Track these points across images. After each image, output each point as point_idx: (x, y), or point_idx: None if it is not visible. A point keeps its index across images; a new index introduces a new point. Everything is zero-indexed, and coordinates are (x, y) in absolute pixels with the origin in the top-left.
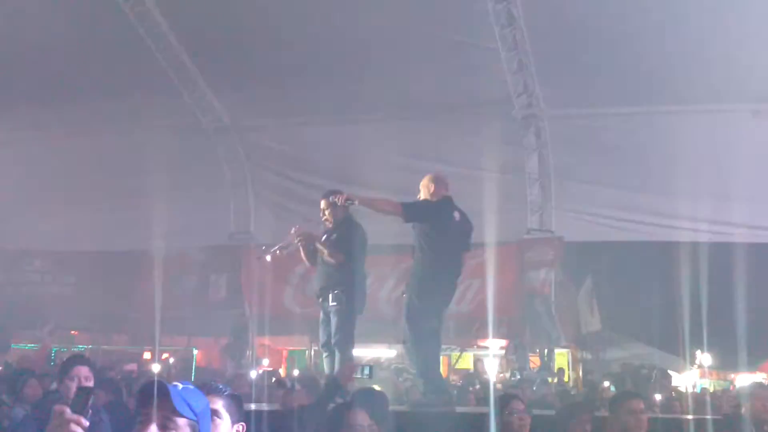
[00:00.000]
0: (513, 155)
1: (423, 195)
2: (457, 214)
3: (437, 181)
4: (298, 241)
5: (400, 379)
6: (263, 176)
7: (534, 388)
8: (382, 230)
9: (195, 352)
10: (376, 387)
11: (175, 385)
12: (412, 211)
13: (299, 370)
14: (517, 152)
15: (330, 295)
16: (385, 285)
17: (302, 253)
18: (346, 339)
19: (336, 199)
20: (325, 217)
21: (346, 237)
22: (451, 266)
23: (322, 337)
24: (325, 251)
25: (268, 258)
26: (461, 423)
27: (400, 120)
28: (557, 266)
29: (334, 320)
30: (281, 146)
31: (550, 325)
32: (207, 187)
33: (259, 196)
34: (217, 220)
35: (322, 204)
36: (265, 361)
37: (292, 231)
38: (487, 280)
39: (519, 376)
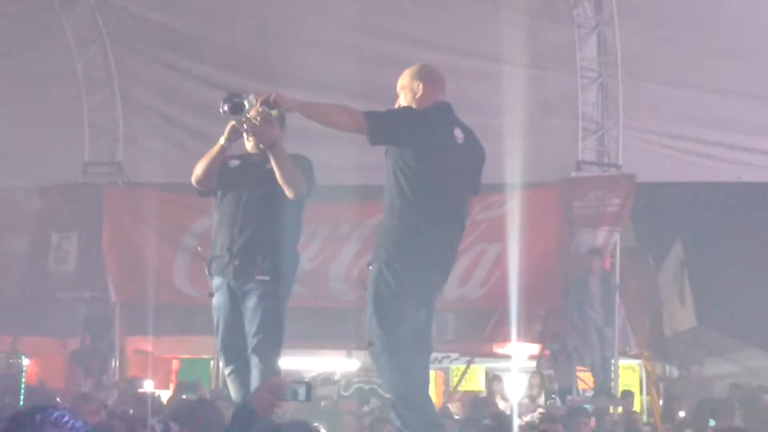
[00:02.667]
0: (555, 39)
1: (404, 100)
2: (459, 133)
3: (428, 75)
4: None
5: (366, 407)
6: (136, 69)
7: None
8: (335, 161)
9: (25, 361)
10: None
11: None
12: (384, 124)
13: (197, 390)
14: (562, 33)
15: (255, 265)
16: (341, 252)
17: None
18: (272, 341)
19: (254, 105)
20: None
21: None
22: (449, 220)
23: (223, 340)
24: (287, 166)
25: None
26: None
27: None
28: (625, 224)
29: (253, 310)
30: (164, 18)
31: (608, 320)
32: (44, 87)
33: (130, 101)
34: (63, 144)
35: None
36: (147, 383)
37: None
38: (510, 245)
39: (560, 403)
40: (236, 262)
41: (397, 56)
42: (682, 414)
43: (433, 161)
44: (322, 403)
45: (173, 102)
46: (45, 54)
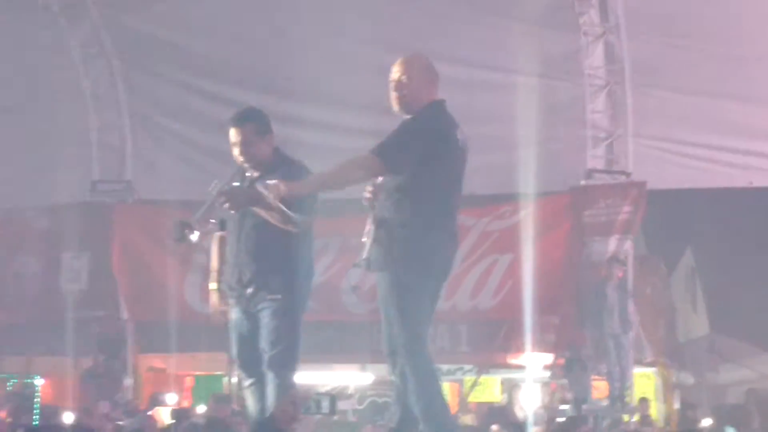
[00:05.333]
0: (562, 47)
1: (400, 90)
2: (460, 134)
3: (424, 68)
4: (223, 203)
5: (380, 421)
6: (145, 85)
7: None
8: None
9: (39, 381)
10: None
11: None
12: (399, 153)
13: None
14: (569, 41)
15: (266, 286)
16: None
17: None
18: (287, 356)
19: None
20: (240, 156)
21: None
22: (452, 221)
23: (240, 356)
24: (276, 214)
25: (194, 237)
26: None
27: None
28: (636, 231)
29: (266, 327)
30: (171, 34)
31: (625, 328)
32: (52, 106)
33: (138, 118)
34: (72, 162)
35: (234, 135)
36: (169, 397)
37: (211, 188)
38: (522, 255)
39: (575, 412)
40: (248, 291)
41: None
42: (707, 423)
43: (443, 167)
44: (335, 418)
45: (181, 118)
46: (51, 73)
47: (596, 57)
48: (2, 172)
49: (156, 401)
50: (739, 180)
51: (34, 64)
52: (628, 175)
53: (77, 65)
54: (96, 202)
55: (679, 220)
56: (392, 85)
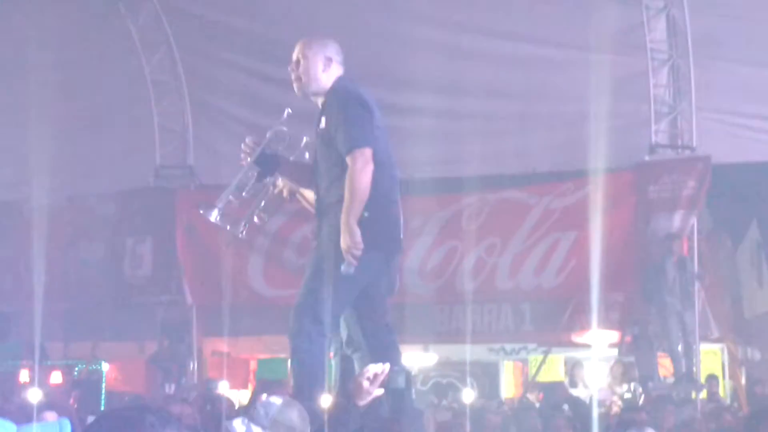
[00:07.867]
0: (623, 22)
1: (309, 66)
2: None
3: (328, 47)
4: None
5: (444, 401)
6: (204, 71)
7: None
8: (405, 156)
9: (104, 367)
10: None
11: None
12: (367, 129)
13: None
14: (631, 16)
15: None
16: (414, 246)
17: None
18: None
19: None
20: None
21: None
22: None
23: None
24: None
25: (214, 218)
26: None
27: None
28: (702, 207)
29: None
30: (234, 19)
31: (686, 305)
32: (113, 93)
33: (200, 104)
34: (134, 148)
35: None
36: (221, 384)
37: (244, 144)
38: (585, 233)
39: (642, 390)
40: None
41: (472, 48)
42: None
43: (381, 132)
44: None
45: (241, 102)
46: (113, 60)
47: (659, 31)
48: (66, 159)
49: (209, 387)
50: None
51: (96, 52)
52: (692, 149)
53: (138, 51)
54: (159, 187)
55: (744, 194)
56: (292, 67)
